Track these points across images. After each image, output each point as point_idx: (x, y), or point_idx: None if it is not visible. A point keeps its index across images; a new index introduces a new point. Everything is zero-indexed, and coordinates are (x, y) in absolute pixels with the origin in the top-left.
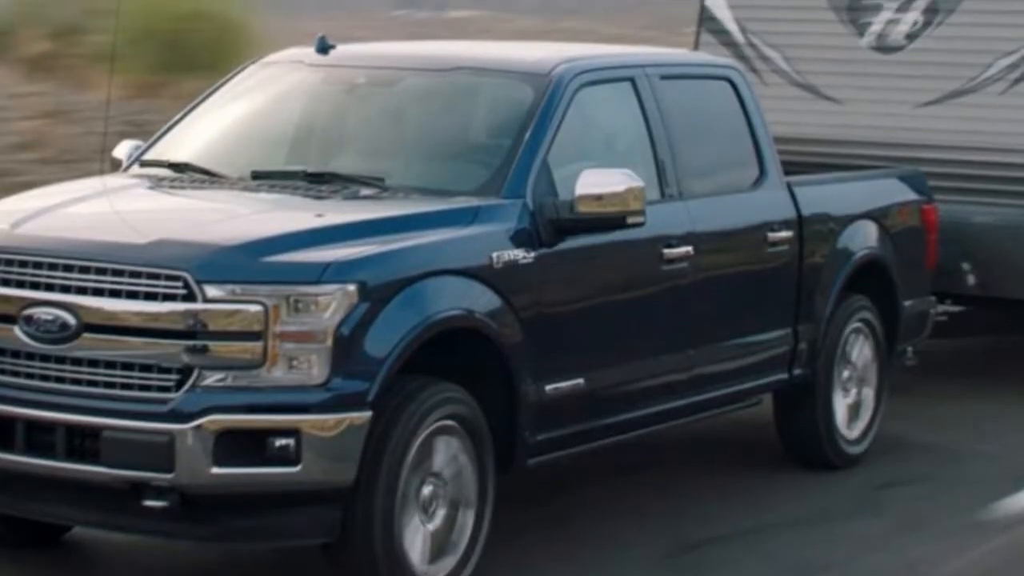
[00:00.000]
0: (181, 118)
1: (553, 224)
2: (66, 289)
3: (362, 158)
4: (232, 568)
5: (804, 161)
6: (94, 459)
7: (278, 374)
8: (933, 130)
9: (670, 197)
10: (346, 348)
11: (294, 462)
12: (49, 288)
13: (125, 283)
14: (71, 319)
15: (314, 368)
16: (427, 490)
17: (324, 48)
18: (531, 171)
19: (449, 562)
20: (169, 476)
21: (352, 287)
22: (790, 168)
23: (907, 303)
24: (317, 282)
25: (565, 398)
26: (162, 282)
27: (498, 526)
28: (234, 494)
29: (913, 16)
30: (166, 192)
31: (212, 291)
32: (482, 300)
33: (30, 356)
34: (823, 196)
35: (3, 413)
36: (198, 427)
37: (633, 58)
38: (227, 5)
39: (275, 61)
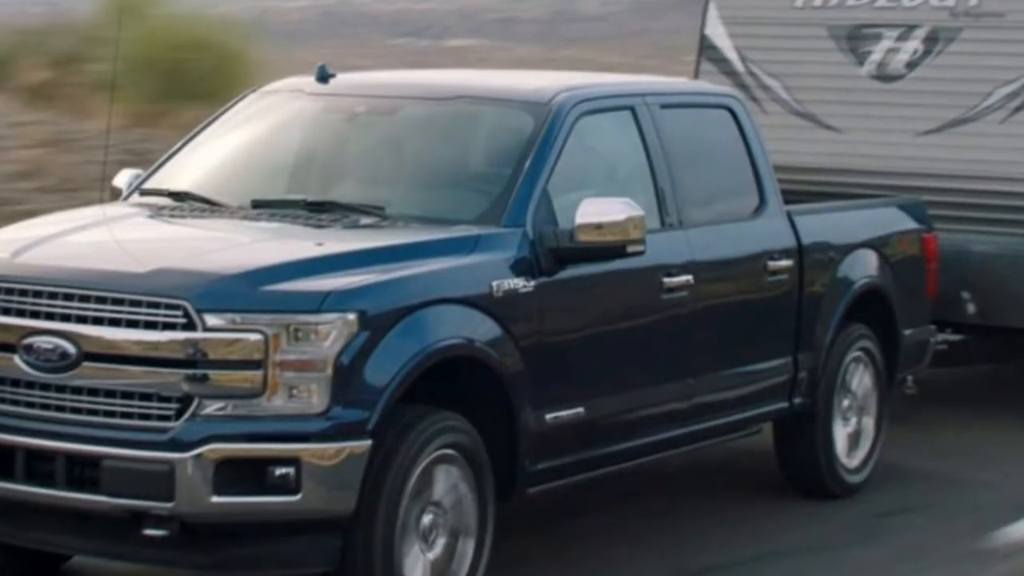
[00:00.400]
0: (181, 147)
1: (553, 253)
2: (66, 318)
3: (362, 187)
4: None
5: (804, 190)
6: (94, 488)
7: (278, 403)
8: (933, 159)
9: (670, 226)
10: (346, 377)
11: (294, 491)
12: (49, 317)
13: (125, 312)
14: (71, 348)
15: (314, 397)
16: (427, 519)
17: (324, 77)
18: (531, 200)
19: None
20: (169, 505)
21: (352, 316)
22: (790, 197)
23: (907, 332)
24: (317, 311)
25: (565, 427)
26: (162, 311)
27: (498, 555)
28: (234, 523)
29: (913, 45)
30: (166, 221)
31: (212, 320)
32: (482, 329)
33: (30, 385)
34: (823, 225)
35: (3, 442)
36: (198, 456)
37: (633, 87)
38: (227, 34)
39: (275, 90)
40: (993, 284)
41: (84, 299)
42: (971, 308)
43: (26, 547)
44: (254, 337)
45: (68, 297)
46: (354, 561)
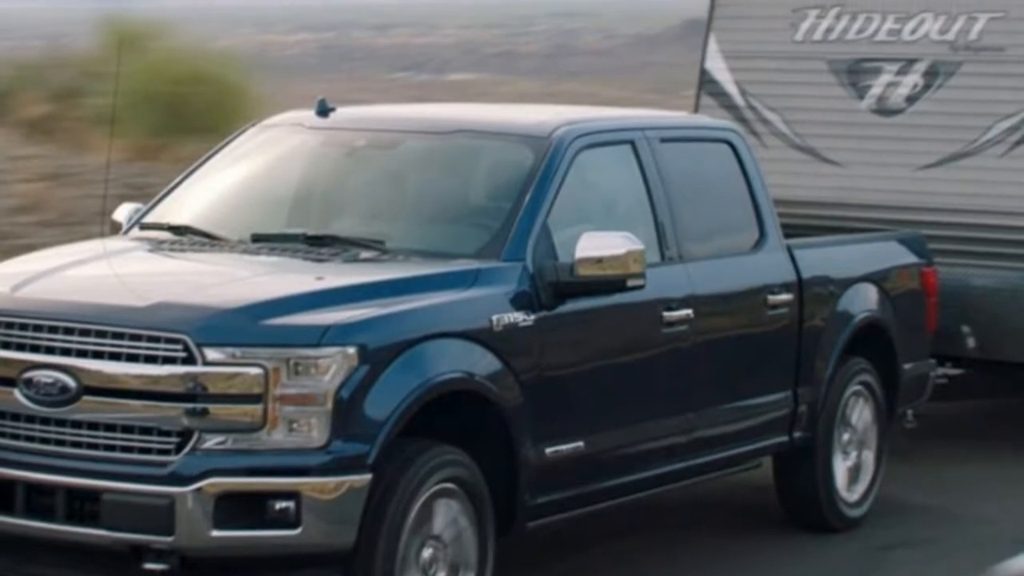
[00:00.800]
0: (181, 181)
1: (553, 287)
2: (66, 352)
3: (362, 221)
4: None
5: (804, 224)
6: (94, 522)
7: (278, 437)
8: (933, 193)
9: (670, 260)
10: (346, 411)
11: (294, 525)
12: (49, 351)
13: (125, 346)
14: (71, 382)
15: (314, 431)
16: (427, 553)
17: (324, 111)
18: (531, 234)
19: None
20: (169, 539)
21: (352, 350)
22: (790, 231)
23: (907, 366)
24: (317, 345)
25: (565, 461)
26: (162, 345)
27: None
28: (234, 557)
29: (913, 79)
30: (166, 255)
31: (212, 354)
32: (482, 363)
33: (30, 419)
34: (823, 259)
35: (3, 476)
36: (198, 490)
37: (633, 121)
38: (227, 68)
39: (275, 124)
40: (993, 318)
41: (84, 333)
42: (971, 342)
43: None
44: (254, 371)
45: (68, 331)
46: None
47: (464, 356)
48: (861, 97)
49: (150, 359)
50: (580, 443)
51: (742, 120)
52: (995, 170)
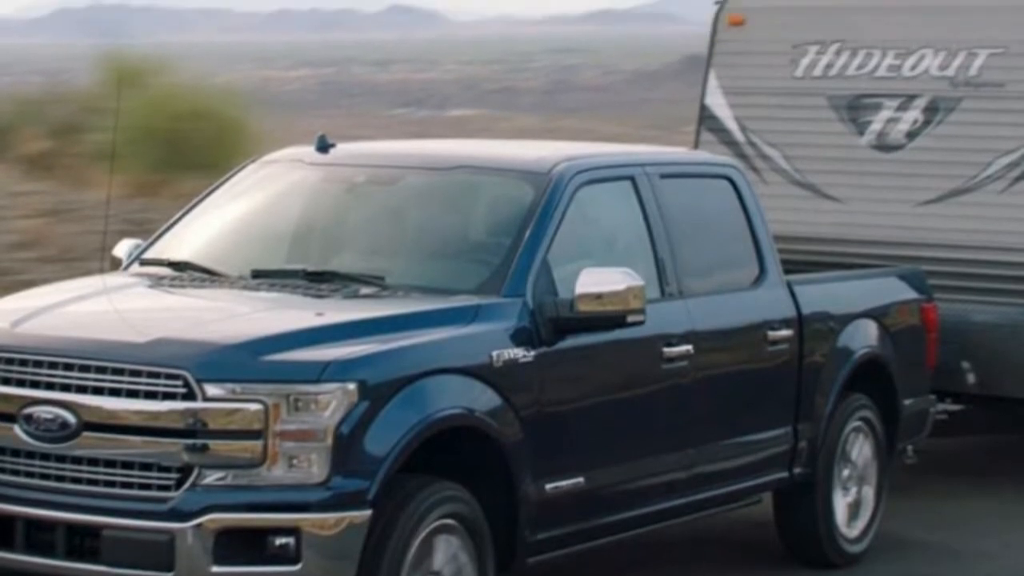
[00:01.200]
0: (181, 217)
1: (553, 323)
2: (66, 388)
3: (362, 257)
4: None
5: (804, 260)
6: (94, 558)
7: (278, 473)
8: (933, 229)
9: (670, 295)
10: (346, 447)
11: (294, 561)
12: (49, 387)
13: (125, 382)
14: (71, 418)
15: (314, 467)
16: None
17: (324, 147)
18: (531, 270)
19: None
20: (169, 575)
21: (352, 386)
22: (790, 267)
23: (907, 402)
24: (317, 381)
25: (565, 497)
26: (162, 381)
27: None
28: None
29: (913, 115)
30: (166, 291)
31: (212, 390)
32: (482, 399)
33: (30, 455)
34: (823, 295)
35: (3, 512)
36: (198, 526)
37: (633, 157)
38: (227, 104)
39: (275, 160)
40: (993, 354)
41: (84, 369)
42: (971, 378)
43: None
44: (254, 407)
45: (68, 367)
46: None
47: (464, 392)
48: (861, 133)
49: (150, 395)
50: (580, 479)
51: (742, 156)
52: (995, 206)
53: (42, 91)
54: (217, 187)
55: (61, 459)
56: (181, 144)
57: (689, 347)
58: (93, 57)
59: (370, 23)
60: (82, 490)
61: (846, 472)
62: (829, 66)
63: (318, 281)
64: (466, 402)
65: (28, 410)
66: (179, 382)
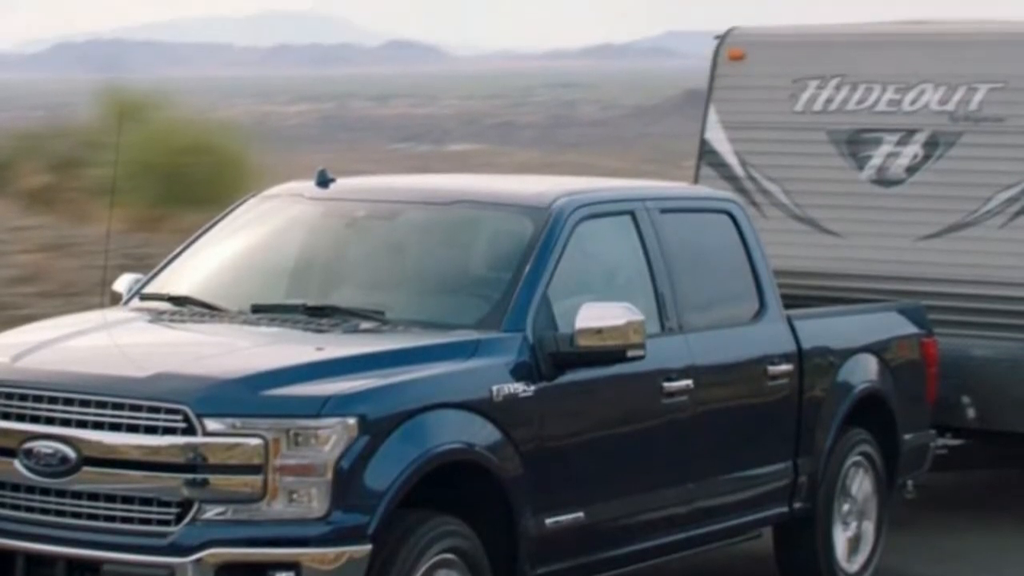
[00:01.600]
0: (181, 251)
1: (553, 357)
2: (66, 423)
3: (362, 291)
4: None
5: (804, 294)
6: None
7: (278, 507)
8: (933, 263)
9: (670, 330)
10: (346, 481)
11: None
12: (49, 421)
13: (125, 416)
14: (71, 452)
15: (314, 501)
16: None
17: (324, 181)
18: (531, 304)
19: None
20: None
21: (352, 420)
22: (790, 301)
23: (907, 436)
24: (317, 416)
25: (565, 531)
26: (162, 415)
27: None
28: None
29: (913, 149)
30: (166, 326)
31: (212, 424)
32: (482, 434)
33: (30, 489)
34: (823, 330)
35: (3, 547)
36: (198, 560)
37: (633, 191)
38: (227, 139)
39: (275, 194)
40: (993, 389)
41: (84, 404)
42: (971, 412)
43: None
44: (254, 442)
45: (68, 402)
46: None
47: (464, 427)
48: (861, 168)
49: (150, 430)
50: (580, 513)
51: (742, 191)
52: (995, 240)
53: (42, 125)
54: (217, 222)
55: (61, 494)
56: (181, 179)
57: (689, 382)
58: (93, 92)
59: (370, 58)
60: (82, 525)
61: (846, 507)
62: (829, 101)
63: (318, 316)
64: (466, 437)
65: (28, 445)
66: (179, 417)
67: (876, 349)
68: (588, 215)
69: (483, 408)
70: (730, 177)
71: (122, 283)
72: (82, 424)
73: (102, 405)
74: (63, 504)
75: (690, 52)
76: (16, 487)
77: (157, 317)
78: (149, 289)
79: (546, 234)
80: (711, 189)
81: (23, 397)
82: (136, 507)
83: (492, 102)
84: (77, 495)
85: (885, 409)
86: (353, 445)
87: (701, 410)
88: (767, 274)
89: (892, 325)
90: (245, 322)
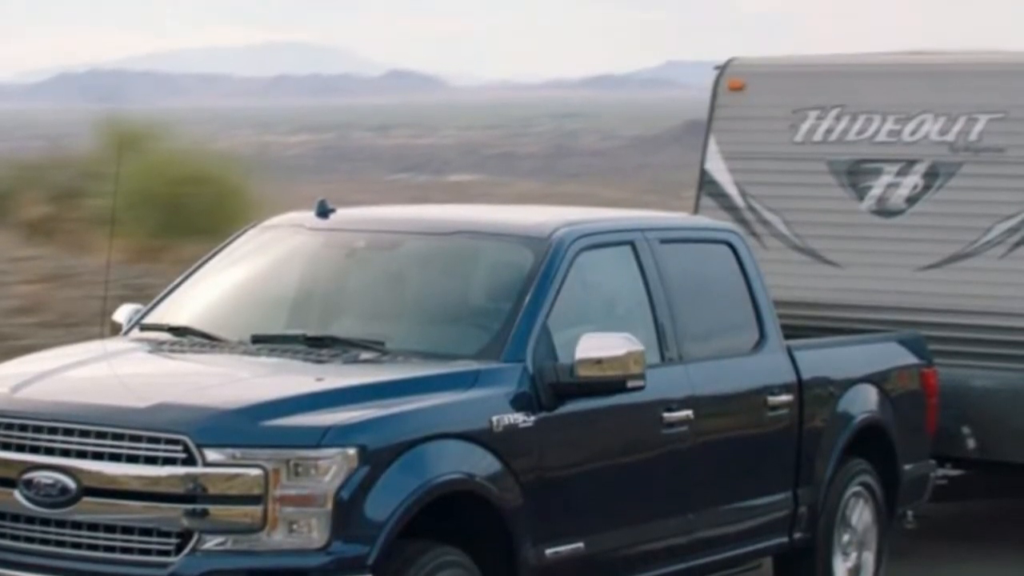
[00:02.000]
0: (181, 282)
1: (553, 388)
2: (66, 453)
3: (362, 322)
4: None
5: (804, 325)
6: None
7: (278, 538)
8: (933, 294)
9: (670, 361)
10: (346, 512)
11: None
12: (49, 452)
13: (125, 447)
14: (71, 483)
15: (314, 532)
16: None
17: (324, 212)
18: (531, 335)
19: None
20: None
21: (352, 451)
22: (790, 332)
23: (907, 467)
24: (317, 446)
25: (565, 562)
26: (162, 446)
27: None
28: None
29: (913, 180)
30: (166, 356)
31: (212, 455)
32: (482, 464)
33: (30, 520)
34: (823, 360)
35: None
36: None
37: (633, 222)
38: (227, 169)
39: (275, 225)
40: (993, 419)
41: (84, 434)
42: (971, 443)
43: None
44: (254, 472)
45: (68, 432)
46: None
47: (464, 457)
48: (861, 198)
49: (150, 460)
50: (580, 544)
51: (742, 221)
52: (995, 271)
53: (42, 156)
54: (217, 252)
55: (61, 524)
56: (181, 209)
57: (689, 412)
58: (93, 122)
59: (370, 88)
60: (82, 555)
61: (846, 537)
62: (829, 131)
63: (318, 346)
64: (466, 467)
65: (28, 475)
66: (179, 447)
67: (876, 379)
68: (588, 245)
69: (483, 438)
70: (730, 207)
71: (122, 313)
72: (82, 454)
73: (102, 435)
74: (63, 534)
75: (690, 82)
76: (16, 517)
77: (157, 347)
78: (149, 319)
79: (546, 264)
80: (711, 219)
81: (23, 427)
82: (136, 537)
83: (492, 132)
84: (77, 525)
85: (885, 439)
86: (353, 475)
87: (701, 440)
88: (767, 304)
89: (892, 355)
90: (245, 352)
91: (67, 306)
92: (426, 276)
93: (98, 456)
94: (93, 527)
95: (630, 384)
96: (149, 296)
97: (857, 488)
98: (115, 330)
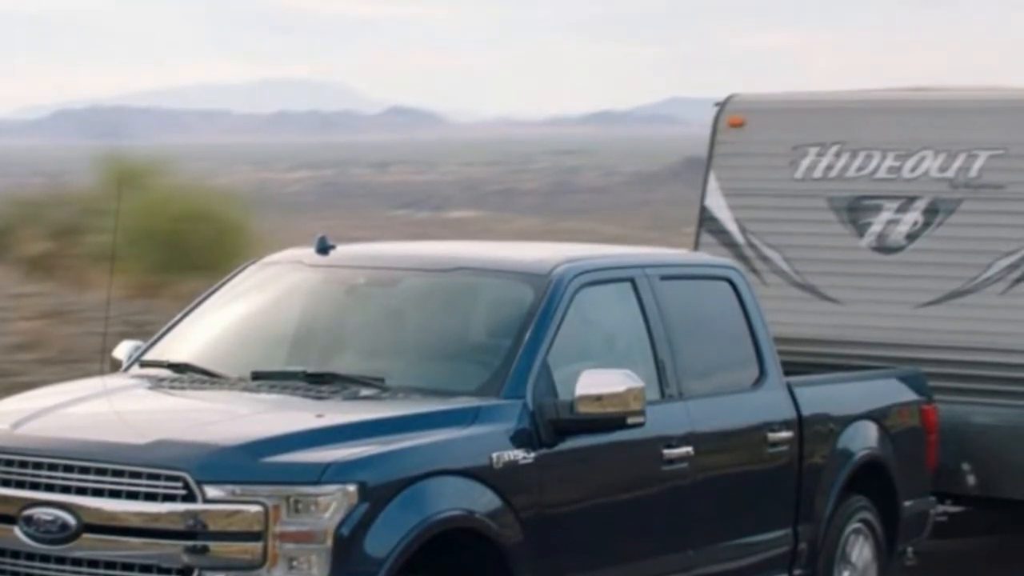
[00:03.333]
0: (181, 318)
1: (553, 424)
2: (66, 489)
3: (362, 358)
4: None
5: (804, 361)
6: None
7: (278, 574)
8: (933, 330)
9: (670, 397)
10: (346, 548)
11: None
12: (49, 488)
13: (125, 483)
14: (71, 519)
15: (314, 568)
16: None
17: (324, 248)
18: (531, 371)
19: None
20: None
21: (352, 487)
22: (790, 368)
23: (907, 503)
24: (317, 482)
25: None
26: (162, 482)
27: None
28: None
29: (913, 216)
30: (166, 392)
31: (212, 491)
32: (482, 500)
33: (30, 556)
34: (823, 396)
35: None
36: None
37: (633, 258)
38: (227, 205)
39: (275, 261)
40: (993, 455)
41: (84, 471)
42: (971, 479)
43: None
44: (254, 508)
45: (68, 469)
46: None
47: (464, 494)
48: (861, 235)
49: (150, 496)
50: None
51: (742, 258)
52: (995, 307)
53: (42, 192)
54: (217, 288)
55: (61, 560)
56: (181, 245)
57: (689, 449)
58: (93, 158)
59: (369, 125)
60: None
61: (846, 574)
62: (829, 168)
63: (318, 383)
64: (466, 504)
65: (28, 512)
66: (179, 483)
67: (876, 416)
68: (588, 282)
69: (483, 475)
70: (730, 244)
71: (122, 350)
72: (82, 491)
73: (102, 472)
74: (63, 571)
75: (691, 119)
76: (16, 554)
77: (157, 384)
78: (149, 356)
79: (546, 301)
80: (711, 256)
81: (23, 464)
82: (136, 574)
83: (492, 169)
84: (77, 562)
85: (885, 476)
86: (353, 512)
87: (701, 477)
88: (767, 341)
89: (892, 392)
90: (245, 389)
91: (67, 342)
92: (426, 312)
93: (98, 493)
94: (93, 564)
95: (630, 421)
96: (149, 332)
97: (857, 525)
98: (115, 366)
